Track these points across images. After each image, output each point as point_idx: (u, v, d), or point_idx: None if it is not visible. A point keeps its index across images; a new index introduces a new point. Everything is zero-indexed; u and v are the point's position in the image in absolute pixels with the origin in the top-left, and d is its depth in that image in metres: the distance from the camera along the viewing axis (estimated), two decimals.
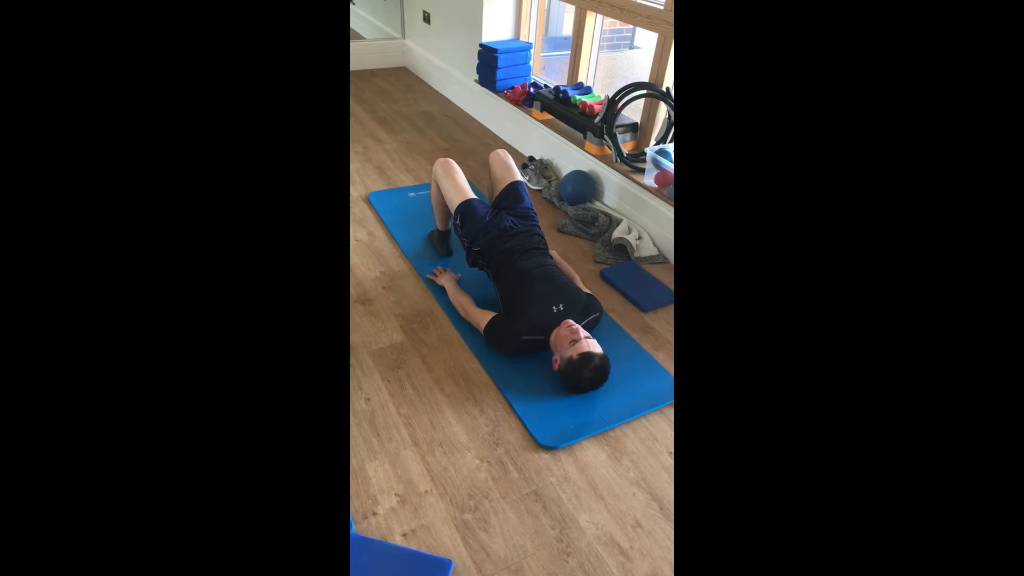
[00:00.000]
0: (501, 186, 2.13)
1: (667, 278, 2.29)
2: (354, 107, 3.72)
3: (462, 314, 1.98)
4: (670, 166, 2.33)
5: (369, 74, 4.32)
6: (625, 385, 1.77)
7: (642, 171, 2.51)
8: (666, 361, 1.90)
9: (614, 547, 1.36)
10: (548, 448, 1.58)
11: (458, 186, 2.08)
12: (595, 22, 2.91)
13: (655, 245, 2.44)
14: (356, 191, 2.76)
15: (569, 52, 3.08)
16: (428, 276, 2.18)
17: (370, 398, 1.70)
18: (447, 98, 3.95)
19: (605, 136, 2.57)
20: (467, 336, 1.93)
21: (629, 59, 5.52)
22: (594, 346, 1.69)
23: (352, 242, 2.39)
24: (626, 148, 2.66)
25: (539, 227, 2.02)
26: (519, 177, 2.15)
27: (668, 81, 2.49)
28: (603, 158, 2.65)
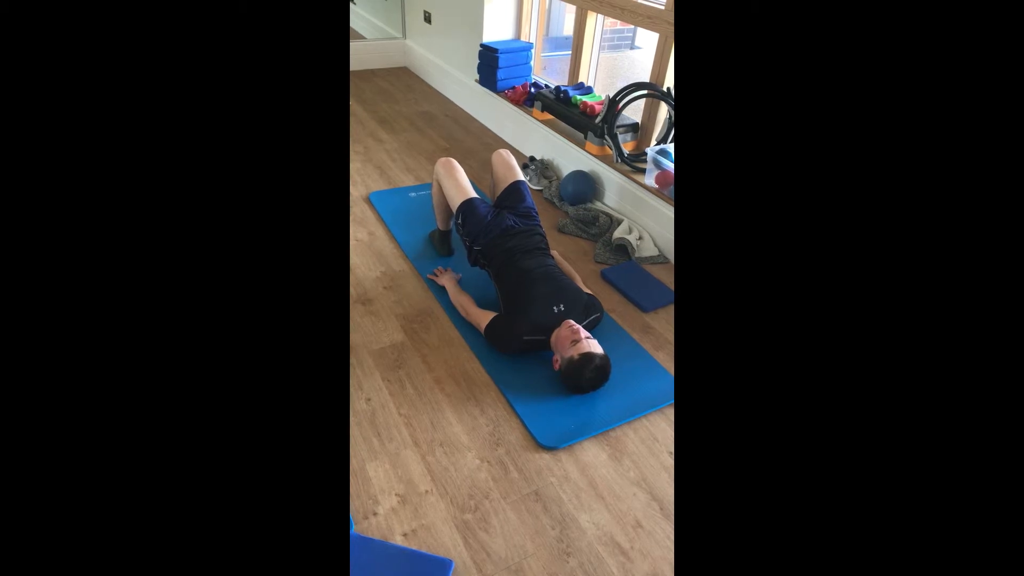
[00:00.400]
0: (503, 185, 2.13)
1: (668, 278, 2.29)
2: (355, 107, 3.72)
3: (463, 314, 1.98)
4: (671, 166, 2.33)
5: (370, 74, 4.32)
6: (626, 385, 1.77)
7: (643, 171, 2.51)
8: (667, 361, 1.90)
9: (614, 547, 1.36)
10: (548, 448, 1.58)
11: (460, 185, 2.08)
12: (596, 22, 2.91)
13: (656, 245, 2.44)
14: (357, 191, 2.77)
15: (570, 52, 3.08)
16: (429, 276, 2.18)
17: (371, 398, 1.70)
18: (448, 98, 3.95)
19: (606, 136, 2.57)
20: (468, 336, 1.93)
21: (630, 59, 5.52)
22: (595, 346, 1.69)
23: (353, 242, 2.39)
24: (627, 148, 2.66)
25: (541, 227, 2.02)
26: (521, 177, 2.15)
27: (669, 81, 2.48)
28: (604, 158, 2.65)
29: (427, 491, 1.45)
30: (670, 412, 1.72)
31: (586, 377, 1.66)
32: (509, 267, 1.89)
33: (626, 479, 1.51)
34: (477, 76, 3.43)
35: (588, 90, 2.93)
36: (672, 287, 2.23)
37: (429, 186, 2.79)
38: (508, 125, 3.32)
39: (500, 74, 3.19)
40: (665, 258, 2.40)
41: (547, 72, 4.18)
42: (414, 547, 1.33)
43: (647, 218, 2.47)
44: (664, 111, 2.57)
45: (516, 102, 3.16)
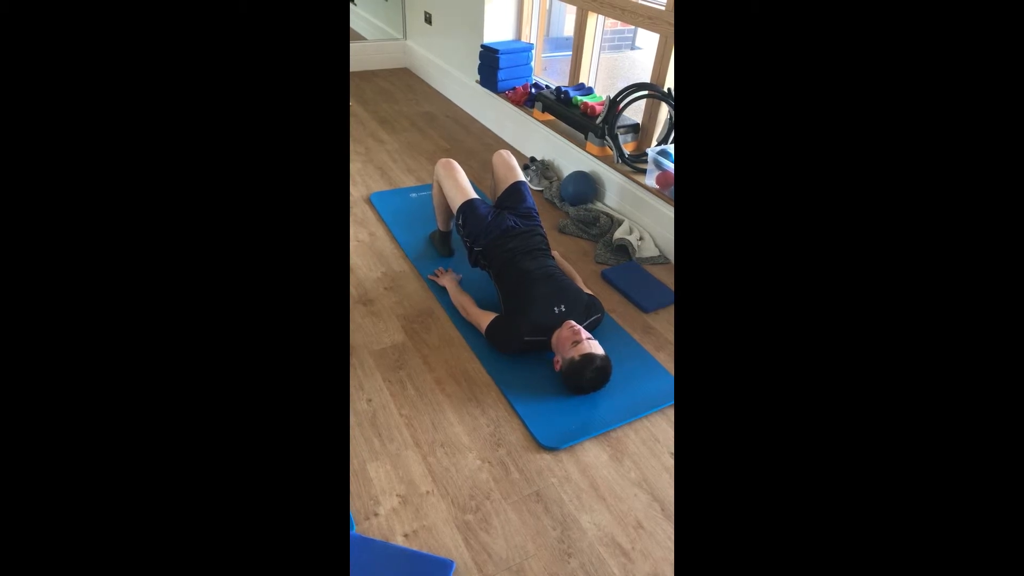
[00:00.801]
0: (504, 186, 2.13)
1: (668, 279, 2.29)
2: (356, 107, 3.72)
3: (463, 315, 1.98)
4: (671, 167, 2.33)
5: (370, 75, 4.33)
6: (626, 386, 1.77)
7: (643, 172, 2.51)
8: (667, 362, 1.90)
9: (616, 548, 1.36)
10: (549, 449, 1.58)
11: (460, 186, 2.08)
12: (596, 23, 2.91)
13: (656, 246, 2.44)
14: (358, 192, 2.77)
15: (570, 53, 3.08)
16: (429, 277, 2.18)
17: (371, 399, 1.70)
18: (448, 99, 3.95)
19: (606, 137, 2.57)
20: (468, 337, 1.93)
21: (630, 60, 5.52)
22: (596, 347, 1.69)
23: (353, 243, 2.40)
24: (627, 149, 2.66)
25: (541, 227, 2.02)
26: (522, 177, 2.15)
27: (669, 82, 2.48)
28: (604, 159, 2.65)
29: (428, 492, 1.46)
30: (671, 412, 1.72)
31: (587, 378, 1.66)
32: (510, 268, 1.89)
33: (627, 480, 1.51)
34: (478, 77, 3.43)
35: (589, 91, 2.93)
36: (672, 287, 2.23)
37: (430, 187, 2.79)
38: (509, 126, 3.32)
39: (501, 75, 3.20)
40: (666, 258, 2.40)
41: (548, 73, 4.18)
42: (415, 548, 1.33)
43: (648, 219, 2.47)
44: (665, 112, 2.57)
45: (517, 103, 3.16)
